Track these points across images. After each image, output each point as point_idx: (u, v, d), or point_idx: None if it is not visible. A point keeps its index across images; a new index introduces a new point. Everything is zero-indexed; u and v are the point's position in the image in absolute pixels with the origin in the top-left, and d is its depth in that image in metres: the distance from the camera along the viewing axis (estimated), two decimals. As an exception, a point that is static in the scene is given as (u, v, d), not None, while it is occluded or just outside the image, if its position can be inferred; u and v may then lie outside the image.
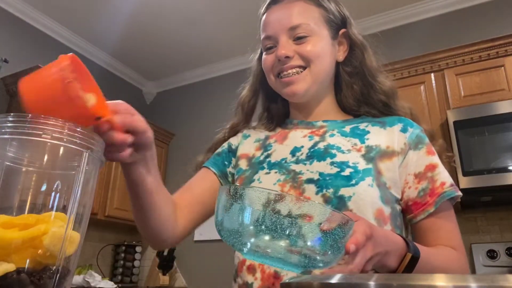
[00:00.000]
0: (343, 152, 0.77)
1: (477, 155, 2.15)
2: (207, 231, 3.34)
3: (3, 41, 2.99)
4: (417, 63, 2.51)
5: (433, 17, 2.98)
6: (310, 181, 0.74)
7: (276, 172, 0.79)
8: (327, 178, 0.73)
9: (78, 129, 0.44)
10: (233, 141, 0.94)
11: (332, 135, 0.82)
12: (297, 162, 0.79)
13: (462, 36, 2.72)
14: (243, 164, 0.87)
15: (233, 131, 0.98)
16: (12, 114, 0.41)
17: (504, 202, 2.31)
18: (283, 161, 0.81)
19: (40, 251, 0.41)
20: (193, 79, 4.04)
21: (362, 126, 0.83)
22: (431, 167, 0.75)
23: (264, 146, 0.88)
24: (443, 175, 0.75)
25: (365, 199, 0.70)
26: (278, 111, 0.94)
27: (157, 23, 3.30)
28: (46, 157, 0.44)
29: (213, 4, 3.07)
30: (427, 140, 0.80)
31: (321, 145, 0.80)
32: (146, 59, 3.83)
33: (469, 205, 2.34)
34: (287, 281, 0.33)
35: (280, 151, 0.83)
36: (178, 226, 0.79)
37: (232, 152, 0.92)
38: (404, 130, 0.79)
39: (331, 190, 0.71)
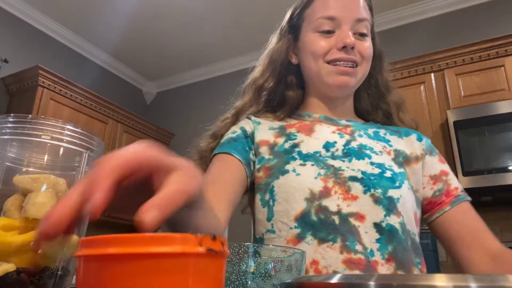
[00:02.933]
0: (377, 154, 0.76)
1: (477, 155, 2.15)
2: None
3: (3, 41, 2.99)
4: (417, 63, 2.51)
5: (433, 17, 2.98)
6: (353, 178, 0.72)
7: (313, 165, 0.74)
8: (372, 178, 0.71)
9: (78, 130, 0.44)
10: (246, 126, 0.84)
11: (360, 136, 0.80)
12: (333, 157, 0.75)
13: (462, 36, 2.72)
14: (264, 151, 0.80)
15: (238, 115, 0.90)
16: (12, 115, 0.41)
17: (504, 202, 2.31)
18: (317, 154, 0.76)
19: (39, 253, 0.41)
20: (193, 79, 4.04)
21: (381, 132, 0.83)
22: (445, 173, 0.80)
23: (286, 134, 0.81)
24: (455, 181, 0.80)
25: (409, 201, 0.73)
26: (294, 100, 0.87)
27: (157, 23, 3.30)
28: (46, 157, 0.45)
29: (213, 5, 3.07)
30: (436, 150, 0.85)
31: (354, 144, 0.78)
32: (146, 59, 3.83)
33: (469, 205, 2.34)
34: (287, 281, 0.33)
35: (310, 143, 0.78)
36: (222, 227, 0.68)
37: (249, 137, 0.83)
38: (419, 139, 0.84)
39: (379, 191, 0.70)
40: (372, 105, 0.89)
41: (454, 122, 2.23)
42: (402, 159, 0.78)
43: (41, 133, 0.42)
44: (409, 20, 3.06)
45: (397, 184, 0.71)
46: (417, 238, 0.75)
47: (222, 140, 0.83)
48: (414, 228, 0.74)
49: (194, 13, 3.17)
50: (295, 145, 0.78)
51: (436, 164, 0.81)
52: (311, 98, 0.87)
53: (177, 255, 0.26)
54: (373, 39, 0.86)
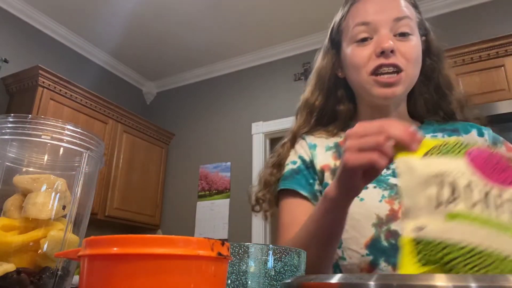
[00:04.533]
0: None
1: (477, 155, 2.15)
2: (206, 232, 3.34)
3: (3, 41, 2.99)
4: (417, 63, 2.51)
5: (433, 17, 2.98)
6: None
7: (375, 187, 0.71)
8: None
9: (78, 130, 0.44)
10: (304, 155, 0.82)
11: None
12: (394, 175, 0.72)
13: (462, 36, 2.72)
14: (328, 178, 0.77)
15: (295, 138, 0.88)
16: (12, 115, 0.41)
17: (504, 202, 2.31)
18: None
19: (39, 253, 0.41)
20: (193, 79, 4.04)
21: (439, 136, 0.80)
22: None
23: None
24: None
25: None
26: (346, 114, 0.85)
27: (157, 23, 3.30)
28: (46, 157, 0.45)
29: (213, 4, 3.07)
30: (501, 138, 0.80)
31: None
32: (146, 59, 3.83)
33: (469, 205, 2.34)
34: (287, 281, 0.33)
35: None
36: None
37: (310, 168, 0.81)
38: (480, 134, 0.80)
39: None
40: (432, 107, 0.84)
41: (454, 122, 2.23)
42: None
43: (41, 133, 0.42)
44: (409, 20, 3.06)
45: None
46: None
47: (285, 172, 0.82)
48: None
49: (194, 13, 3.17)
50: None
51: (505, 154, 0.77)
52: (363, 108, 0.84)
53: (192, 257, 0.29)
54: (425, 36, 0.81)
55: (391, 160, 0.48)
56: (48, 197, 0.42)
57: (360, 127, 0.51)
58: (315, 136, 0.85)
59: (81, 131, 0.44)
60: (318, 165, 0.80)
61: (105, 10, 3.17)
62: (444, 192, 0.43)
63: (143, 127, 3.59)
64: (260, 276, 0.41)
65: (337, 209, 0.57)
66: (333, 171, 0.77)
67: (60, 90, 2.92)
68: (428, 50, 0.82)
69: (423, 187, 0.45)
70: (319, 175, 0.79)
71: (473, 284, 0.22)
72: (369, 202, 0.69)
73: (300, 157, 0.82)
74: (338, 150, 0.80)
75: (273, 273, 0.41)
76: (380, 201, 0.69)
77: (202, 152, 3.64)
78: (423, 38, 0.82)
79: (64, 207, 0.43)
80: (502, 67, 2.29)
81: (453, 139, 0.48)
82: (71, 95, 2.98)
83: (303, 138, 0.85)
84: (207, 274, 0.29)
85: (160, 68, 3.97)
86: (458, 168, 0.44)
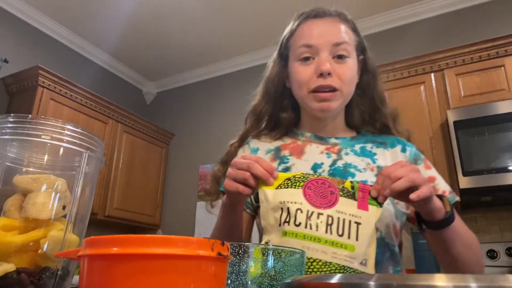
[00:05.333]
0: (360, 171, 0.82)
1: (477, 155, 2.15)
2: (206, 232, 3.34)
3: (3, 41, 2.99)
4: (417, 63, 2.51)
5: (433, 17, 2.98)
6: None
7: None
8: None
9: (78, 130, 0.44)
10: None
11: (346, 154, 0.87)
12: None
13: (462, 36, 2.72)
14: None
15: (242, 141, 1.00)
16: (12, 115, 0.41)
17: (504, 202, 2.31)
18: None
19: (39, 253, 0.41)
20: (193, 79, 4.04)
21: (368, 147, 0.89)
22: (431, 179, 0.85)
23: (279, 157, 0.90)
24: (442, 185, 0.84)
25: (387, 216, 0.78)
26: (288, 121, 0.96)
27: (157, 23, 3.30)
28: (46, 157, 0.44)
29: (213, 5, 3.07)
30: (422, 155, 0.89)
31: (340, 163, 0.84)
32: (146, 59, 3.83)
33: (469, 205, 2.34)
34: (287, 281, 0.33)
35: (300, 166, 0.86)
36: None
37: None
38: (403, 150, 0.89)
39: None
40: (368, 118, 0.95)
41: (454, 122, 2.23)
42: None
43: (41, 133, 0.42)
44: (409, 20, 3.06)
45: None
46: (396, 249, 0.81)
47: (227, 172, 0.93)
48: (393, 240, 0.80)
49: (194, 13, 3.17)
50: (287, 169, 0.87)
51: (422, 172, 0.84)
52: (305, 117, 0.95)
53: (192, 257, 0.29)
54: (361, 57, 0.91)
55: (254, 190, 0.66)
56: (48, 197, 0.42)
57: (237, 161, 0.67)
58: (260, 140, 0.97)
59: (81, 131, 0.44)
60: None
61: (105, 10, 3.17)
62: (283, 215, 0.59)
63: (143, 127, 3.59)
64: (260, 276, 0.41)
65: (230, 212, 0.75)
66: None
67: (60, 90, 2.92)
68: (365, 67, 0.93)
69: (273, 212, 0.63)
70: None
71: (473, 284, 0.22)
72: None
73: None
74: (276, 153, 0.92)
75: (273, 273, 0.41)
76: None
77: (202, 152, 3.64)
78: (361, 57, 0.92)
79: (64, 207, 0.43)
80: (502, 67, 2.28)
81: (299, 173, 0.67)
82: (71, 95, 2.98)
83: (248, 143, 0.98)
84: (207, 274, 0.29)
85: (160, 68, 3.97)
86: (294, 197, 0.62)
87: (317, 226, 0.56)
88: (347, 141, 0.91)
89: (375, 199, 0.63)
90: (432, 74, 2.47)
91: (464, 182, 2.12)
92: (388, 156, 0.87)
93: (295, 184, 0.65)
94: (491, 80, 2.29)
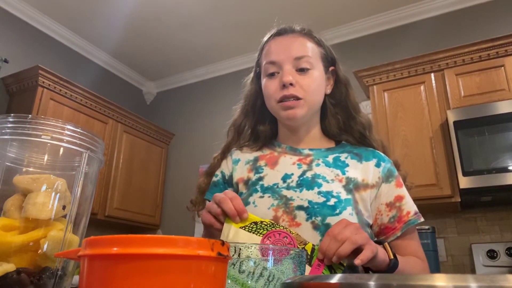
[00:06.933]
0: (328, 182, 0.86)
1: (477, 155, 2.15)
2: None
3: (3, 41, 2.99)
4: (417, 63, 2.51)
5: (433, 17, 2.98)
6: (300, 208, 0.82)
7: (269, 197, 0.87)
8: (315, 207, 0.82)
9: (78, 130, 0.44)
10: (225, 170, 1.01)
11: (318, 165, 0.91)
12: (288, 188, 0.87)
13: (462, 36, 2.72)
14: (242, 188, 0.94)
15: (225, 153, 1.05)
16: (12, 115, 0.41)
17: (504, 202, 2.31)
18: (275, 186, 0.88)
19: (39, 253, 0.41)
20: (193, 79, 4.04)
21: (342, 157, 0.93)
22: (399, 198, 0.89)
23: (256, 167, 0.95)
24: (409, 205, 0.88)
25: None
26: (266, 133, 1.02)
27: (157, 23, 3.30)
28: (46, 157, 0.44)
29: (213, 5, 3.07)
30: (396, 173, 0.93)
31: (309, 174, 0.89)
32: (146, 59, 3.83)
33: (469, 205, 2.34)
34: (287, 281, 0.33)
35: (272, 176, 0.91)
36: None
37: (227, 182, 0.99)
38: (378, 165, 0.92)
39: (319, 218, 0.80)
40: (344, 127, 0.99)
41: (454, 122, 2.23)
42: (353, 186, 0.87)
43: (41, 133, 0.42)
44: (409, 20, 3.06)
45: (337, 211, 0.81)
46: None
47: (211, 183, 1.01)
48: None
49: (194, 13, 3.17)
50: (260, 178, 0.92)
51: (392, 190, 0.89)
52: (281, 129, 1.01)
53: (192, 257, 0.29)
54: (331, 68, 0.97)
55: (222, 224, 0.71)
56: (48, 197, 0.42)
57: (216, 195, 0.73)
58: (242, 151, 1.02)
59: (81, 131, 0.44)
60: (235, 178, 0.96)
61: (105, 10, 3.16)
62: (234, 257, 0.61)
63: (143, 127, 3.59)
64: (260, 276, 0.41)
65: (209, 229, 0.77)
66: (246, 182, 0.93)
67: (60, 90, 2.92)
68: (337, 78, 0.99)
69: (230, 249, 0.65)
70: (235, 187, 0.96)
71: (473, 284, 0.22)
72: (260, 209, 0.85)
73: (222, 172, 1.01)
74: (254, 163, 0.97)
75: (273, 273, 0.42)
76: (269, 208, 0.84)
77: (202, 152, 3.64)
78: (331, 68, 0.98)
79: (64, 207, 0.43)
80: (502, 67, 2.29)
81: (267, 220, 0.70)
82: (71, 95, 2.98)
83: (231, 154, 1.03)
84: (207, 274, 0.29)
85: (160, 68, 3.97)
86: (251, 242, 0.64)
87: (257, 280, 0.56)
88: (321, 152, 0.95)
89: (331, 269, 0.65)
90: (432, 74, 2.47)
91: (464, 182, 2.12)
92: (359, 169, 0.90)
93: (258, 230, 0.68)
94: (491, 80, 2.29)
